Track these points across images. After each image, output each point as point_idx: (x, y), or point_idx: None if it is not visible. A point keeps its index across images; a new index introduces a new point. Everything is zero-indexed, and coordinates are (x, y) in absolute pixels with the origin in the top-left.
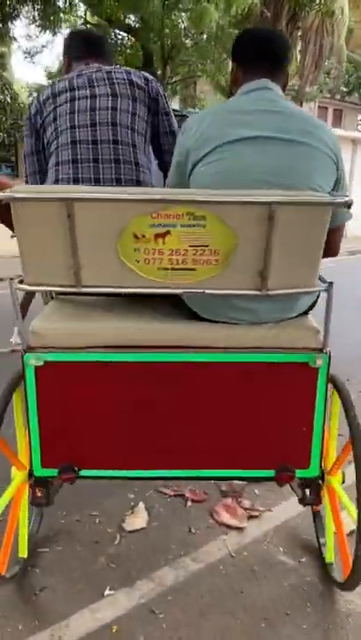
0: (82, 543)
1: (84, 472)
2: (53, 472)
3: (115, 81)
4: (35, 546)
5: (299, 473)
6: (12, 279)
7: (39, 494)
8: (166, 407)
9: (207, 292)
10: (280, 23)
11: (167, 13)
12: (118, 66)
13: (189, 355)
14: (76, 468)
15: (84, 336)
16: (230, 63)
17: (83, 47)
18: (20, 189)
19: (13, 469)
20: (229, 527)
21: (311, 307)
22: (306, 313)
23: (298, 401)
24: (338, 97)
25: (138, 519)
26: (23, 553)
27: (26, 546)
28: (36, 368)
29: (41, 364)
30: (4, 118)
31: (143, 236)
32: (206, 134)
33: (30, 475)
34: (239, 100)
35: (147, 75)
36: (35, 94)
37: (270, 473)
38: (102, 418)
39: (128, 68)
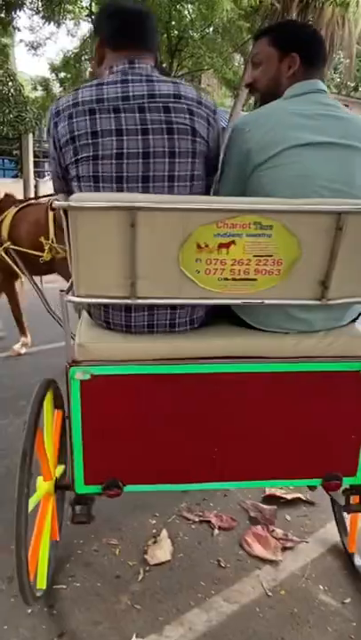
0: (102, 578)
1: (128, 487)
2: (96, 489)
3: (174, 126)
4: (51, 580)
5: (346, 480)
6: (62, 291)
7: (80, 512)
8: (214, 418)
9: (266, 302)
10: (290, 15)
11: (174, 4)
12: (174, 82)
13: (239, 365)
14: (120, 484)
15: (133, 348)
16: (236, 56)
17: (125, 31)
18: (82, 197)
19: (39, 480)
20: (262, 560)
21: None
22: (353, 321)
23: (347, 409)
24: (344, 92)
25: (161, 550)
26: (42, 584)
27: (45, 576)
28: (82, 382)
29: (87, 377)
30: (7, 111)
31: (206, 246)
32: (270, 136)
33: (57, 487)
34: (297, 102)
35: (210, 111)
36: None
37: (317, 482)
38: (148, 430)
39: (190, 95)
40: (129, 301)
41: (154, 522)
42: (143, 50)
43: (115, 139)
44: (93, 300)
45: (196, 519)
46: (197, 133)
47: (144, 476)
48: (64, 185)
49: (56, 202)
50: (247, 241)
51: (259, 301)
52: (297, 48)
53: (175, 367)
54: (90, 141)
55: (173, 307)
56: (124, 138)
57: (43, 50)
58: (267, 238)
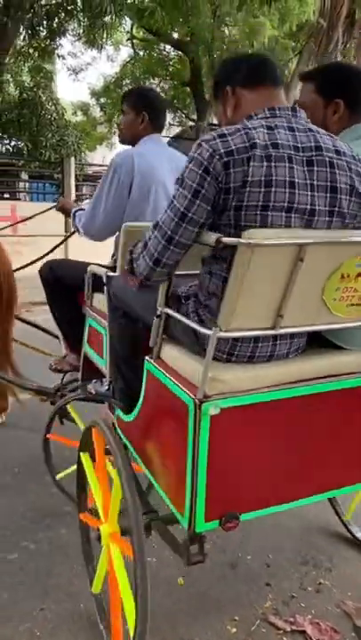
0: None
1: (243, 516)
2: (214, 524)
3: (337, 185)
4: None
5: None
6: (215, 327)
7: (196, 552)
8: (315, 434)
9: None
10: (336, 32)
11: (218, 25)
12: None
13: (342, 382)
14: (238, 515)
15: (257, 377)
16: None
17: (265, 67)
18: (261, 234)
19: (103, 528)
20: None
21: None
22: None
23: None
24: None
25: None
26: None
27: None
28: (211, 417)
29: (217, 412)
30: (50, 135)
31: (348, 276)
32: None
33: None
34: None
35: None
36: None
37: None
38: (263, 455)
39: (346, 150)
40: (272, 332)
41: (234, 630)
42: (280, 86)
43: (287, 191)
44: (242, 334)
45: (288, 628)
46: (355, 192)
47: (256, 502)
48: (193, 229)
49: (224, 238)
50: None
51: None
52: (341, 94)
53: (289, 391)
54: (261, 190)
55: (293, 335)
56: (296, 192)
57: (83, 75)
58: None
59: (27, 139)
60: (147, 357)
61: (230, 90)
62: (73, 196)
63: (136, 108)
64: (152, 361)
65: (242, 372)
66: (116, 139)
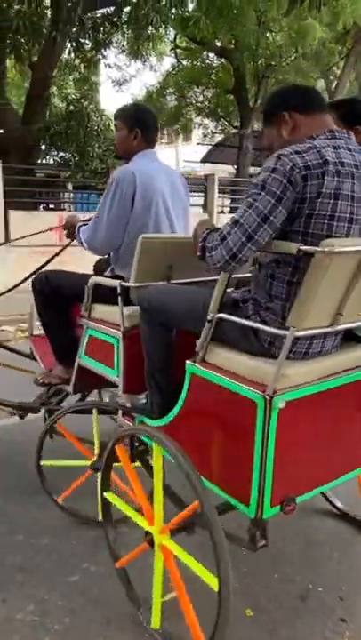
0: None
1: (299, 499)
2: (276, 510)
3: None
4: None
5: None
6: (285, 327)
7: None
8: (352, 418)
9: None
10: None
11: (263, 32)
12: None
13: None
14: (295, 498)
15: (311, 371)
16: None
17: (315, 95)
18: (338, 243)
19: (157, 535)
20: None
21: None
22: None
23: None
24: None
25: None
26: (156, 624)
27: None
28: (279, 410)
29: (284, 405)
30: (96, 145)
31: None
32: None
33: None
34: None
35: None
36: None
37: None
38: (314, 440)
39: None
40: (329, 329)
41: None
42: (327, 112)
43: (349, 204)
44: (314, 332)
45: None
46: None
47: (307, 484)
48: (271, 232)
49: (303, 247)
50: None
51: None
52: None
53: (333, 381)
54: (330, 201)
55: (336, 332)
56: (355, 205)
57: (126, 86)
58: None
59: (74, 150)
60: (188, 361)
61: (287, 114)
62: None
63: (129, 124)
64: (196, 364)
65: (300, 367)
66: (157, 147)
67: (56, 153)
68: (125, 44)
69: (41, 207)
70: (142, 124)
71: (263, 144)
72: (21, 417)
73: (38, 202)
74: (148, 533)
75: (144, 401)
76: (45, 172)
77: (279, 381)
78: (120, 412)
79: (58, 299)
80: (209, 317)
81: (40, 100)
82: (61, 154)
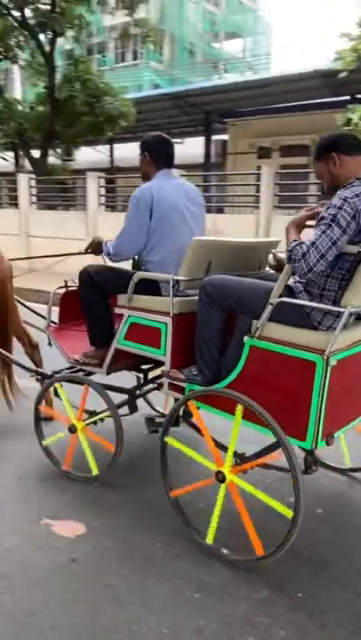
0: None
1: (335, 434)
2: (323, 443)
3: None
4: None
5: None
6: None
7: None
8: None
9: None
10: None
11: None
12: None
13: None
14: (333, 435)
15: (345, 339)
16: None
17: (356, 144)
18: None
19: (228, 474)
20: None
21: None
22: None
23: None
24: None
25: None
26: (210, 540)
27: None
28: (332, 367)
29: (335, 363)
30: None
31: None
32: None
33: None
34: None
35: None
36: None
37: None
38: (347, 389)
39: None
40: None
41: None
42: None
43: None
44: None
45: None
46: None
47: (344, 421)
48: (336, 252)
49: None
50: None
51: None
52: None
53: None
54: None
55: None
56: None
57: None
58: None
59: None
60: (246, 337)
61: (336, 155)
62: None
63: (141, 149)
64: (255, 338)
65: (341, 336)
66: None
67: None
68: None
69: None
70: (150, 149)
71: (316, 176)
72: (38, 381)
73: None
74: (218, 472)
75: (195, 372)
76: None
77: (336, 345)
78: (166, 383)
79: (100, 291)
80: (271, 301)
81: None
82: None
